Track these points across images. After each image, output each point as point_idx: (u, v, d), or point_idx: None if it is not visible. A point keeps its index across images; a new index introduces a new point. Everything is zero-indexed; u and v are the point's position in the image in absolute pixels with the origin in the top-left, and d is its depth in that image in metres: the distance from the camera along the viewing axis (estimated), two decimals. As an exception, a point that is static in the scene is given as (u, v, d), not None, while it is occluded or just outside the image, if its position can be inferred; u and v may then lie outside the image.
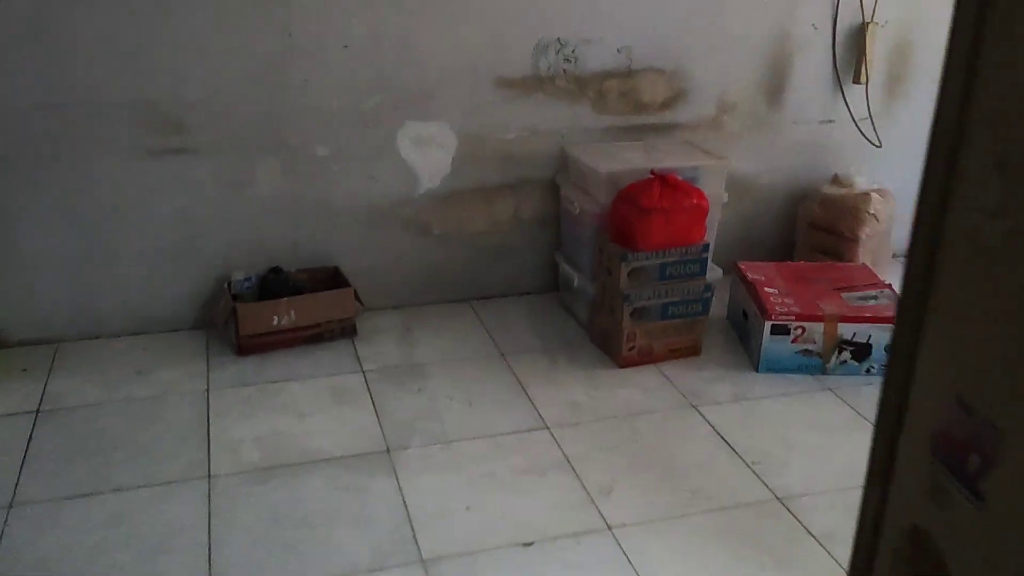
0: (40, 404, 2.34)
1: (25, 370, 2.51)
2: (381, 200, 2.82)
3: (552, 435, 2.28)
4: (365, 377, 2.54)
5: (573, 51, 2.80)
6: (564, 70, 2.82)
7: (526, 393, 2.47)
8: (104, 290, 2.66)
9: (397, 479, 2.09)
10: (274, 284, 2.70)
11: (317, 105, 2.65)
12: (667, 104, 2.97)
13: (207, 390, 2.44)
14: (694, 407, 2.42)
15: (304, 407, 2.37)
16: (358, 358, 2.64)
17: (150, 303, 2.72)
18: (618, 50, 2.85)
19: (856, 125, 3.16)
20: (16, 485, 2.02)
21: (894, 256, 3.32)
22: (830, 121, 3.18)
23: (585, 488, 2.08)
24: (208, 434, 2.23)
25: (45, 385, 2.43)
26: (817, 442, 2.28)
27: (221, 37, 2.50)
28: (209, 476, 2.08)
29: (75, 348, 2.64)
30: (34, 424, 2.25)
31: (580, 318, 2.87)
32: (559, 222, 2.99)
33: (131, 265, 2.66)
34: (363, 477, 2.09)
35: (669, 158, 2.76)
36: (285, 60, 2.57)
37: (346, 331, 2.73)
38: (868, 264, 2.95)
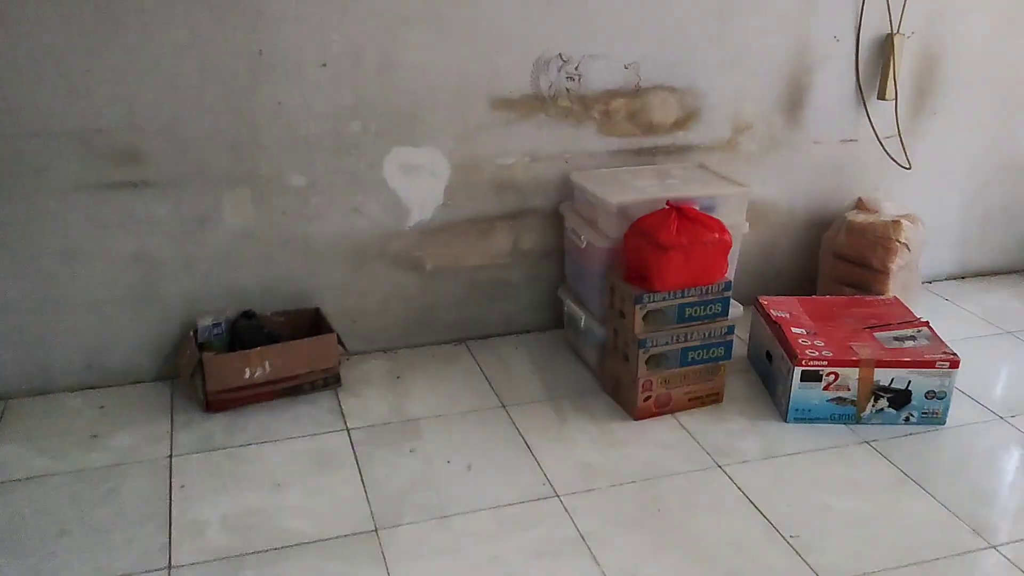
0: (-23, 478, 2.05)
1: (-36, 434, 2.22)
2: (366, 234, 2.55)
3: (563, 505, 2.00)
4: (350, 437, 2.25)
5: (576, 68, 2.54)
6: (567, 89, 2.55)
7: (532, 453, 2.20)
8: (55, 340, 2.37)
9: (386, 567, 1.81)
10: (246, 330, 2.42)
11: (292, 130, 2.37)
12: (679, 125, 2.71)
13: (170, 456, 2.15)
14: (720, 467, 2.16)
15: (280, 476, 2.09)
16: (342, 413, 2.35)
17: (107, 353, 2.43)
18: (625, 66, 2.58)
19: (881, 144, 2.91)
20: (-59, 585, 1.73)
21: (922, 284, 3.08)
22: (852, 140, 2.93)
23: (604, 574, 1.80)
24: (170, 513, 1.95)
25: (-15, 453, 2.14)
26: (859, 508, 2.02)
27: (181, 57, 2.22)
28: (170, 567, 1.79)
29: (24, 405, 2.35)
30: (-31, 503, 1.96)
31: (588, 361, 2.60)
32: (563, 255, 2.72)
33: (84, 312, 2.37)
34: (347, 566, 1.81)
35: (685, 186, 2.50)
36: (255, 81, 2.30)
37: (328, 382, 2.45)
38: (898, 297, 2.70)
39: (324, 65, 2.34)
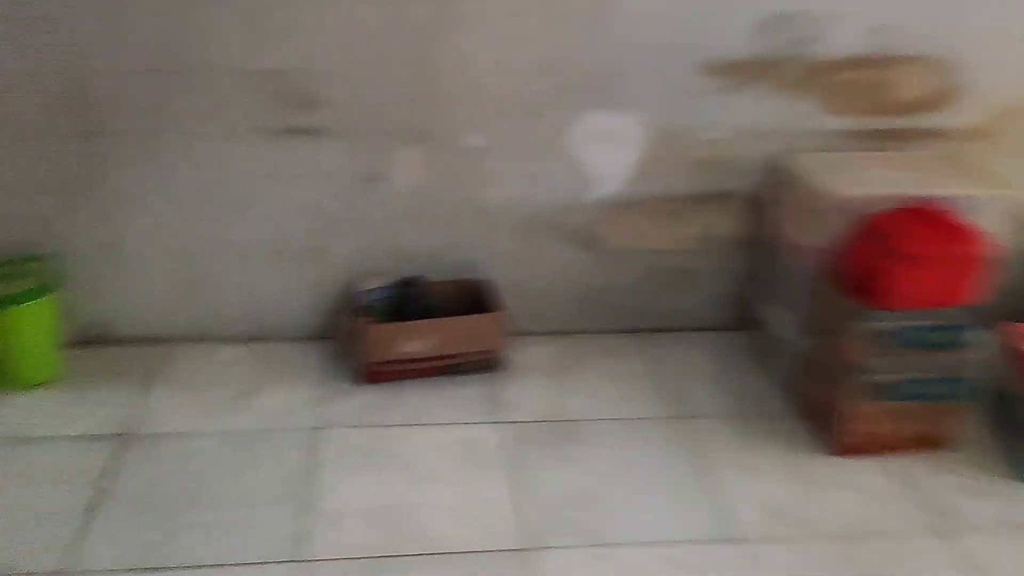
0: (128, 426, 1.99)
1: (127, 375, 2.18)
2: (542, 204, 2.29)
3: (745, 554, 1.70)
4: (505, 431, 2.04)
5: (810, 30, 2.13)
6: (795, 54, 2.16)
7: (709, 480, 1.89)
8: (216, 288, 2.29)
9: (534, 598, 1.59)
10: (409, 298, 2.25)
11: (473, 86, 2.13)
12: (928, 105, 2.24)
13: (317, 428, 2.02)
14: (944, 532, 1.77)
15: (427, 467, 1.91)
16: (500, 403, 2.14)
17: (266, 307, 2.33)
18: (871, 30, 2.15)
19: None
20: (76, 542, 1.66)
21: None
22: None
23: (791, 652, 1.50)
24: (309, 496, 1.81)
25: (138, 399, 2.08)
26: None
27: (365, -3, 2.02)
28: (301, 561, 1.65)
29: (181, 352, 2.29)
30: (115, 454, 1.90)
31: (780, 375, 2.24)
32: (762, 248, 2.36)
33: (246, 262, 2.27)
34: (490, 590, 1.60)
35: (932, 181, 2.06)
36: (440, 29, 2.07)
37: (490, 364, 2.24)
38: None
39: (515, 15, 2.07)
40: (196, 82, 2.05)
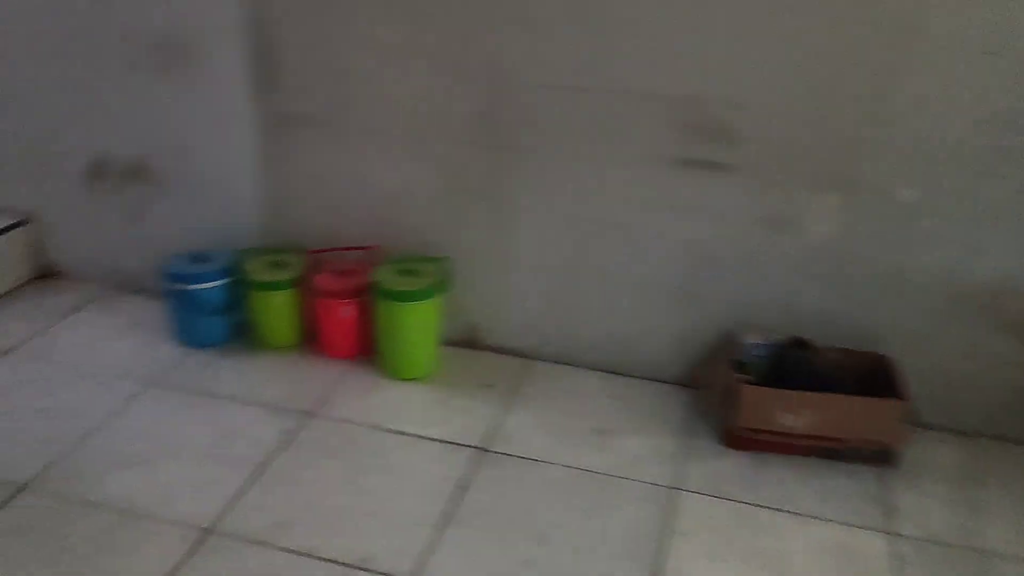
0: (486, 439, 1.98)
1: (490, 386, 2.19)
2: (978, 280, 1.90)
3: None
4: (895, 545, 1.69)
5: None
6: None
7: None
8: (586, 312, 2.22)
9: None
10: (793, 362, 1.99)
11: (920, 132, 1.81)
12: None
13: (672, 488, 1.84)
14: None
15: (796, 569, 1.63)
16: (890, 508, 1.79)
17: (632, 340, 2.21)
18: None
19: None
20: (427, 550, 1.65)
21: None
22: None
23: None
24: (659, 562, 1.63)
25: (499, 413, 2.07)
26: None
27: (805, 26, 1.80)
28: (645, 637, 1.48)
29: (545, 371, 2.25)
30: (470, 467, 1.89)
31: None
32: None
33: (620, 291, 2.16)
34: None
35: None
36: (894, 64, 1.78)
37: (879, 457, 1.91)
38: None
39: (992, 54, 1.71)
40: (606, 103, 1.98)
